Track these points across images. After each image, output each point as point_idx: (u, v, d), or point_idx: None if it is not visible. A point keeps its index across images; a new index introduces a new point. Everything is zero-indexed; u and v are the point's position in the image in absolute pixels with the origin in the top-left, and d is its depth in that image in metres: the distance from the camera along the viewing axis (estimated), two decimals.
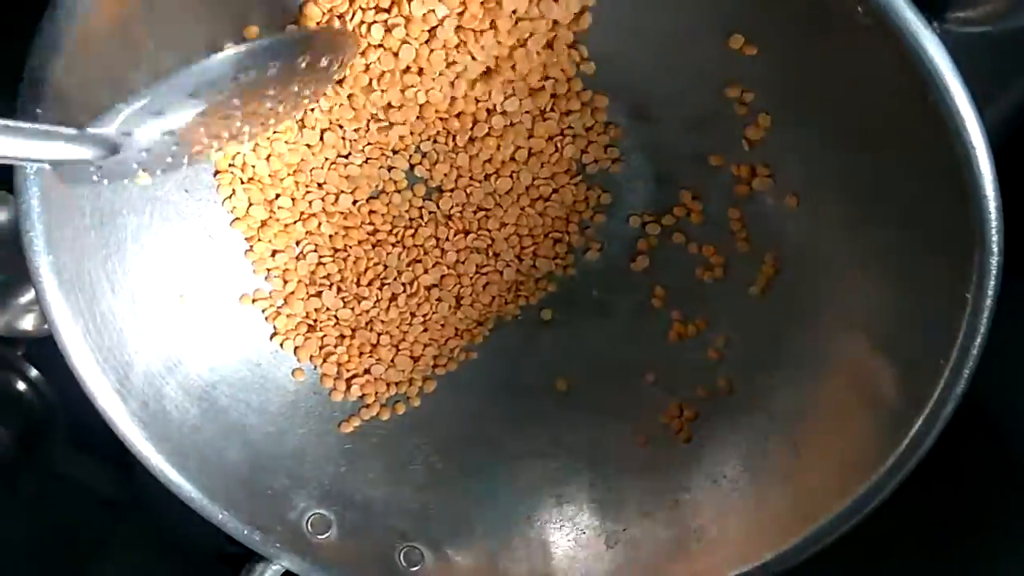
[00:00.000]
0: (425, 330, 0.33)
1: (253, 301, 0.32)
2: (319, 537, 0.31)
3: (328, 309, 0.32)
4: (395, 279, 0.32)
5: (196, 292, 0.31)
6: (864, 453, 0.26)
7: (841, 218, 0.27)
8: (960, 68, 0.19)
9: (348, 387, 0.33)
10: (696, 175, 0.30)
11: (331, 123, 0.30)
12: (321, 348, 0.33)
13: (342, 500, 0.31)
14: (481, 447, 0.33)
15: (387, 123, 0.30)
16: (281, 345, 0.32)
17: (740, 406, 0.31)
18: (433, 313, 0.33)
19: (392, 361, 0.33)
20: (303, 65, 0.25)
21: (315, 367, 0.33)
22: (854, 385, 0.27)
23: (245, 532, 0.30)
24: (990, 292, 0.22)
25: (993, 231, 0.21)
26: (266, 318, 0.32)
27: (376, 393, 0.33)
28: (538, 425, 0.33)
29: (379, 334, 0.33)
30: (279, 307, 0.32)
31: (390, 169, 0.31)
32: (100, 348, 0.28)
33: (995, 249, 0.21)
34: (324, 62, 0.25)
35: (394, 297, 0.32)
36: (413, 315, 0.32)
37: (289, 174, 0.30)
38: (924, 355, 0.24)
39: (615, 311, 0.33)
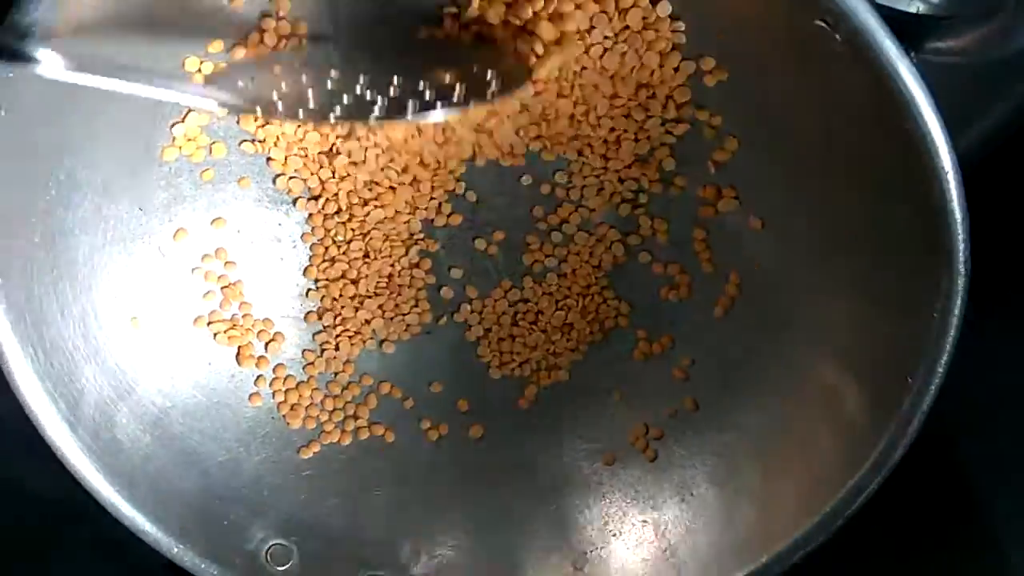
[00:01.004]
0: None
1: (208, 324, 0.31)
2: (279, 568, 0.30)
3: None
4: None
5: (149, 315, 0.30)
6: (831, 471, 0.27)
7: (808, 242, 0.27)
8: (934, 97, 0.20)
9: (307, 413, 0.32)
10: (663, 195, 0.31)
11: None
12: (284, 379, 0.32)
13: (302, 529, 0.31)
14: (445, 471, 0.33)
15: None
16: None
17: (706, 424, 0.31)
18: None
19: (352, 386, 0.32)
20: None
21: (272, 393, 0.32)
22: (820, 403, 0.28)
23: (202, 566, 0.29)
24: (956, 311, 0.23)
25: (961, 253, 0.22)
26: (220, 341, 0.31)
27: (334, 419, 0.32)
28: (504, 446, 0.33)
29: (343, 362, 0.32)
30: (242, 333, 0.31)
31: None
32: (49, 376, 0.26)
33: (962, 270, 0.22)
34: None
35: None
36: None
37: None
38: (890, 373, 0.25)
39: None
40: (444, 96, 0.23)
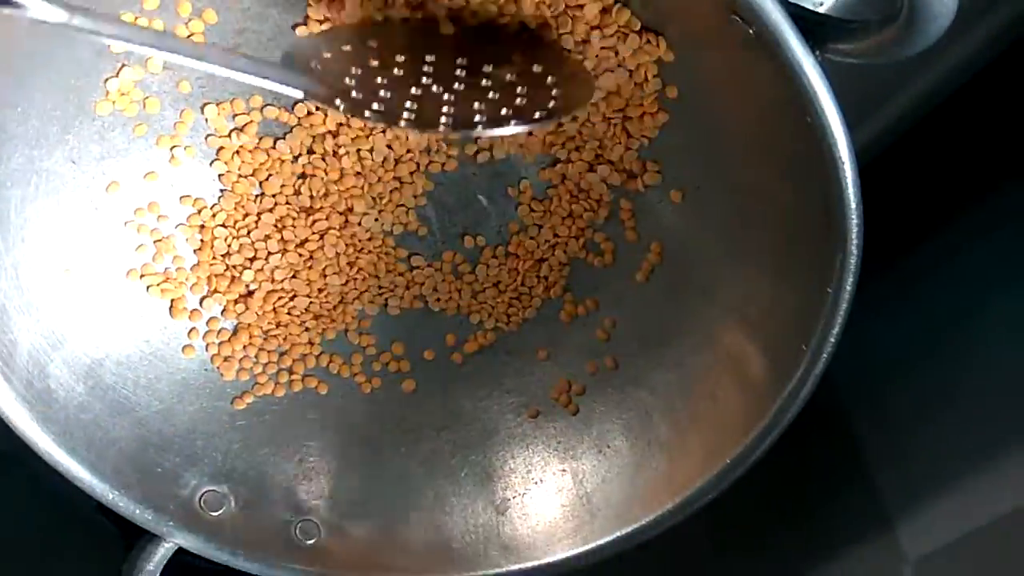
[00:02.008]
0: (322, 304, 0.33)
1: (141, 276, 0.31)
2: (213, 514, 0.31)
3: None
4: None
5: (82, 266, 0.30)
6: (733, 426, 0.29)
7: (722, 216, 0.29)
8: (836, 93, 0.21)
9: (240, 365, 0.33)
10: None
11: None
12: (218, 332, 0.32)
13: (235, 476, 0.31)
14: (377, 421, 0.34)
15: None
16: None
17: (625, 381, 0.33)
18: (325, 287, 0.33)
19: (285, 340, 0.33)
20: None
21: (206, 345, 0.32)
22: (727, 365, 0.30)
23: (136, 511, 0.29)
24: (848, 287, 0.25)
25: (854, 236, 0.24)
26: (153, 294, 0.31)
27: (268, 371, 0.33)
28: (435, 400, 0.34)
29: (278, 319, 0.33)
30: (175, 286, 0.31)
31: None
32: None
33: (855, 252, 0.24)
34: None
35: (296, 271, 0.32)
36: (319, 290, 0.33)
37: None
38: (789, 340, 0.27)
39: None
40: (508, 105, 0.23)
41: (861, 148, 0.22)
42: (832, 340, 0.26)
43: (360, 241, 0.33)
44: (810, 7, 0.23)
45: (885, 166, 0.30)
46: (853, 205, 0.23)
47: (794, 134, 0.23)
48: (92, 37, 0.21)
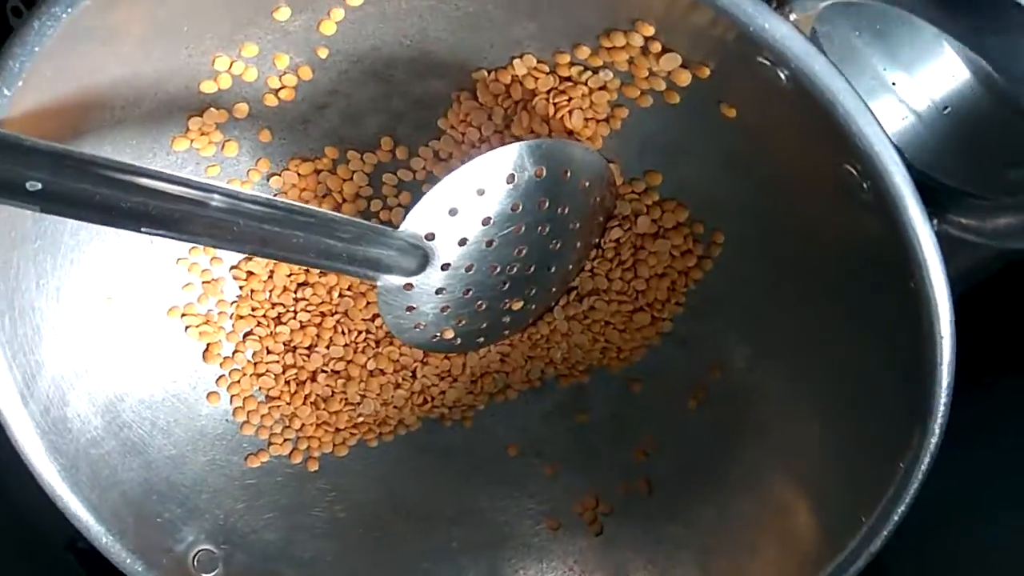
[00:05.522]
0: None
1: (182, 316, 0.30)
2: (203, 575, 0.29)
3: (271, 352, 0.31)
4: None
5: (124, 297, 0.29)
6: None
7: (793, 362, 0.28)
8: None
9: (261, 423, 0.31)
10: None
11: None
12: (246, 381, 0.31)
13: (234, 538, 0.30)
14: (388, 504, 0.32)
15: None
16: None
17: (656, 511, 0.31)
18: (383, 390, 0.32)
19: (315, 413, 0.32)
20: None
21: (231, 397, 0.31)
22: (773, 518, 0.28)
23: (127, 560, 0.28)
24: (924, 466, 0.23)
25: (939, 416, 0.22)
26: (191, 335, 0.30)
27: (285, 436, 0.32)
28: (450, 491, 0.32)
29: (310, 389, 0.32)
30: (215, 329, 0.31)
31: None
32: (11, 343, 0.26)
33: (937, 431, 0.22)
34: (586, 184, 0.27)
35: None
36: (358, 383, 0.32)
37: None
38: (846, 507, 0.25)
39: (551, 391, 0.33)
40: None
41: None
42: (896, 519, 0.24)
43: None
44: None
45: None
46: (944, 383, 0.21)
47: (890, 298, 0.22)
48: None
